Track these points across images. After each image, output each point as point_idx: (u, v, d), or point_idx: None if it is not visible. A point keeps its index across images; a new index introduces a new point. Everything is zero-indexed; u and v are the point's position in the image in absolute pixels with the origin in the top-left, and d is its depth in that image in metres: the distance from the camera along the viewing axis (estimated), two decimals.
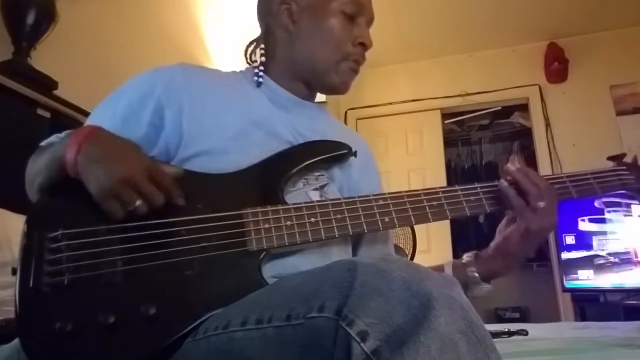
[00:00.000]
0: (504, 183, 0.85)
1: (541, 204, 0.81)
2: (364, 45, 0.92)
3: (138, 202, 0.67)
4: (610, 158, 0.98)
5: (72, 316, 0.63)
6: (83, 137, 0.70)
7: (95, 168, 0.67)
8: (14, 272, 0.67)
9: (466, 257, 0.90)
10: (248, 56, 0.99)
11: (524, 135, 4.10)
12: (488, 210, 0.86)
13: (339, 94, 0.96)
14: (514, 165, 0.86)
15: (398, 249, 2.32)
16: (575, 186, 0.89)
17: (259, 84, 0.93)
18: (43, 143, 0.83)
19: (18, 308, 0.65)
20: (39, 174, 0.76)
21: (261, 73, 0.94)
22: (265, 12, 0.96)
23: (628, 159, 0.97)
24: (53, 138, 0.83)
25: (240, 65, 1.03)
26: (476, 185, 0.87)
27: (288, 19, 0.92)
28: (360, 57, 0.93)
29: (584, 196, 0.90)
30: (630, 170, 0.94)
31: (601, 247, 2.77)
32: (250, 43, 0.99)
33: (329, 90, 0.96)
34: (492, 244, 0.87)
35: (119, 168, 0.67)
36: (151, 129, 0.83)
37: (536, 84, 3.69)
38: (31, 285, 0.66)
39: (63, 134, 0.81)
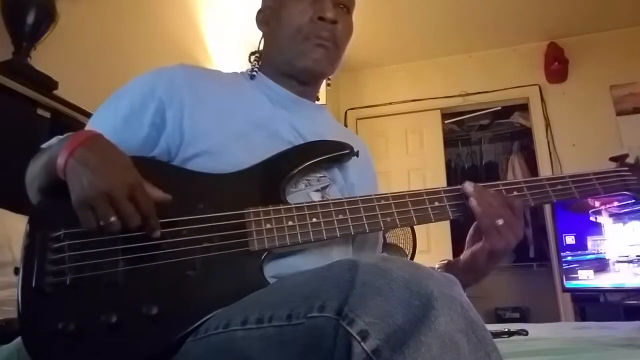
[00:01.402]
0: (473, 201, 0.81)
1: (500, 222, 0.79)
2: (325, 20, 0.89)
3: (112, 219, 0.65)
4: (612, 159, 0.98)
5: (75, 316, 0.64)
6: (79, 142, 0.70)
7: (82, 175, 0.66)
8: (16, 271, 0.67)
9: (437, 267, 0.90)
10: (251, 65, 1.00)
11: (524, 135, 4.10)
12: None
13: (317, 75, 0.95)
14: (470, 186, 0.82)
15: (398, 249, 2.33)
16: (577, 187, 0.89)
17: (252, 77, 0.95)
18: (44, 145, 0.82)
19: (21, 308, 0.65)
20: (37, 175, 0.76)
21: (256, 68, 0.97)
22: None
23: (630, 160, 0.96)
24: (54, 140, 0.83)
25: (240, 65, 1.03)
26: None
27: (264, 25, 0.97)
28: (324, 31, 0.89)
29: (586, 197, 0.89)
30: (633, 172, 0.94)
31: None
32: (252, 53, 1.01)
33: (306, 74, 0.93)
34: (462, 258, 0.85)
35: (104, 180, 0.65)
36: (153, 130, 0.83)
37: (536, 84, 3.69)
38: (34, 285, 0.66)
39: (64, 136, 0.81)
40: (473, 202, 0.80)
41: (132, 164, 0.71)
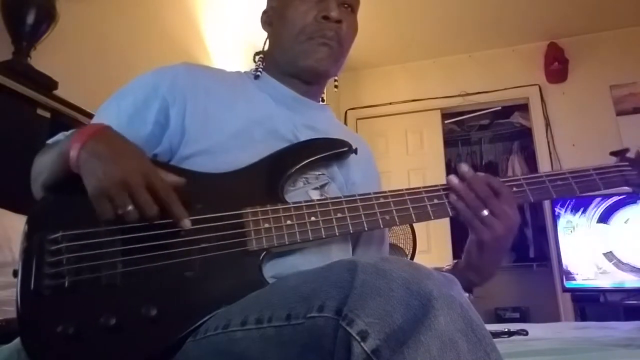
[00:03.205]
0: (453, 196, 0.80)
1: (485, 213, 0.78)
2: (329, 19, 0.88)
3: (130, 208, 0.64)
4: (613, 153, 0.97)
5: (74, 318, 0.63)
6: (90, 134, 0.70)
7: (96, 166, 0.66)
8: (15, 274, 0.67)
9: (446, 267, 0.90)
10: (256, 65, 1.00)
11: (524, 135, 4.11)
12: None
13: (321, 75, 0.94)
14: (460, 169, 0.81)
15: (398, 249, 2.32)
16: (577, 182, 0.88)
17: (256, 77, 0.95)
18: (50, 141, 0.82)
19: (20, 310, 0.65)
20: (43, 170, 0.76)
21: (260, 68, 0.96)
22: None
23: (631, 155, 0.96)
24: (59, 136, 0.83)
25: (240, 65, 1.03)
26: None
27: (268, 25, 0.98)
28: (328, 31, 0.88)
29: (586, 192, 0.89)
30: (633, 166, 0.93)
31: None
32: (256, 53, 1.01)
33: (310, 73, 0.92)
34: (462, 257, 0.85)
35: (120, 169, 0.65)
36: (156, 128, 0.83)
37: (536, 84, 3.69)
38: (32, 287, 0.65)
39: (70, 132, 0.81)
40: (452, 197, 0.80)
41: (143, 153, 0.71)
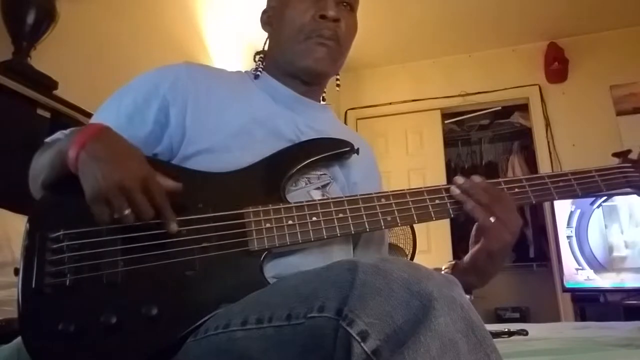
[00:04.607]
0: (468, 205, 0.79)
1: (491, 220, 0.77)
2: (327, 18, 0.88)
3: (127, 212, 0.65)
4: (615, 155, 0.97)
5: (75, 317, 0.64)
6: (90, 135, 0.70)
7: (95, 168, 0.66)
8: (16, 272, 0.67)
9: (445, 267, 0.89)
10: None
11: (524, 135, 4.10)
12: None
13: (320, 74, 0.94)
14: (458, 182, 0.81)
15: (398, 249, 2.32)
16: (579, 184, 0.87)
17: (256, 77, 0.95)
18: (48, 139, 0.82)
19: (21, 308, 0.65)
20: (42, 169, 0.76)
21: (260, 68, 0.97)
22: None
23: (633, 156, 0.95)
24: (58, 134, 0.83)
25: (240, 64, 1.03)
26: None
27: (268, 25, 0.98)
28: (325, 30, 0.88)
29: (588, 194, 0.88)
30: (635, 168, 0.92)
31: None
32: (257, 53, 1.01)
33: (309, 73, 0.92)
34: (465, 258, 0.84)
35: (118, 172, 0.66)
36: (156, 127, 0.83)
37: (536, 84, 3.69)
38: (33, 285, 0.66)
39: (68, 130, 0.80)
40: (468, 205, 0.79)
41: (143, 155, 0.71)
